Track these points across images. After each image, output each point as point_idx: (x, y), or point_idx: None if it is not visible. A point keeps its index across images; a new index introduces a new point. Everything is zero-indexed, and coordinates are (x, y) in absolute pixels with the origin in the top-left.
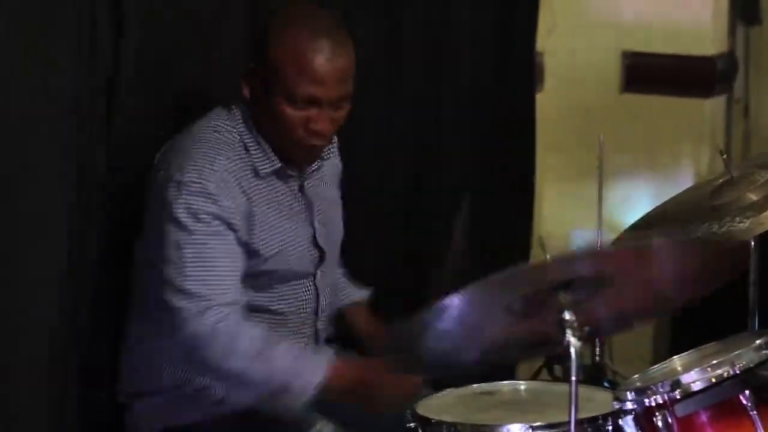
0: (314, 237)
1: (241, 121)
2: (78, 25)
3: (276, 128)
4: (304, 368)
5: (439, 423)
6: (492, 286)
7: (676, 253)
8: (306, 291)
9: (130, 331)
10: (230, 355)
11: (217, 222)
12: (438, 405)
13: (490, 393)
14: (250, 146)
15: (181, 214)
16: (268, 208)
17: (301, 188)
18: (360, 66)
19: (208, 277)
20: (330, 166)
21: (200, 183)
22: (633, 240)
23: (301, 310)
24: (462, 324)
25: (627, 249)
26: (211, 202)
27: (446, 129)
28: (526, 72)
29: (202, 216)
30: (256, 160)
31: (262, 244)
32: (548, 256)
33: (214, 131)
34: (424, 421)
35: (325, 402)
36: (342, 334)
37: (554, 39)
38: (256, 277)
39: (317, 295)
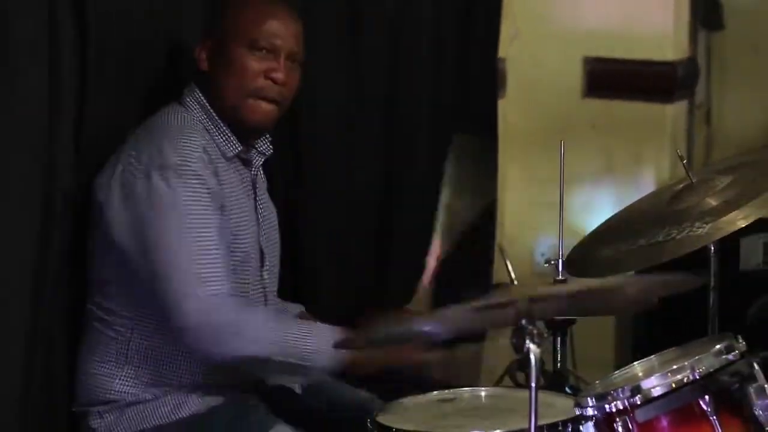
0: (259, 236)
1: (197, 106)
2: (41, 26)
3: (236, 83)
4: (320, 334)
5: (400, 431)
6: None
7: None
8: (255, 292)
9: (96, 339)
10: (252, 342)
11: (209, 202)
12: (398, 412)
13: (450, 400)
14: (211, 129)
15: (180, 196)
16: (233, 191)
17: (253, 182)
18: (320, 76)
19: (212, 264)
20: (261, 176)
21: (187, 164)
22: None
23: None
24: None
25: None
26: (200, 183)
27: (407, 135)
28: (489, 78)
29: (199, 197)
30: (219, 142)
31: (232, 226)
32: (509, 272)
33: (177, 118)
34: (385, 430)
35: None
36: None
37: (517, 45)
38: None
39: (265, 298)
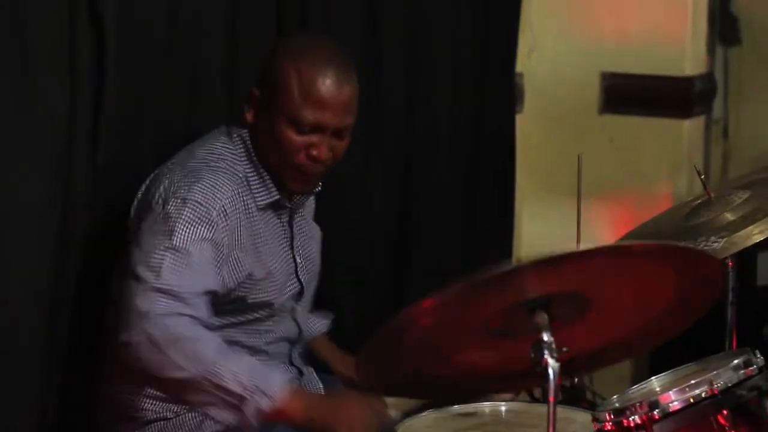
0: (296, 270)
1: (242, 148)
2: (61, 46)
3: (277, 152)
4: (261, 376)
5: None
6: (467, 291)
7: (653, 259)
8: (287, 326)
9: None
10: (198, 352)
11: (208, 246)
12: (418, 427)
13: (470, 414)
14: (251, 177)
15: (178, 226)
16: (260, 239)
17: (290, 221)
18: None
19: (182, 287)
20: (309, 202)
21: (205, 207)
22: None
23: (280, 344)
24: (437, 338)
25: (603, 248)
26: (208, 228)
27: (426, 150)
28: (506, 93)
29: (196, 235)
30: (255, 191)
31: (251, 275)
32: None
33: (220, 158)
34: None
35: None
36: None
37: (534, 60)
38: (236, 310)
39: (298, 330)
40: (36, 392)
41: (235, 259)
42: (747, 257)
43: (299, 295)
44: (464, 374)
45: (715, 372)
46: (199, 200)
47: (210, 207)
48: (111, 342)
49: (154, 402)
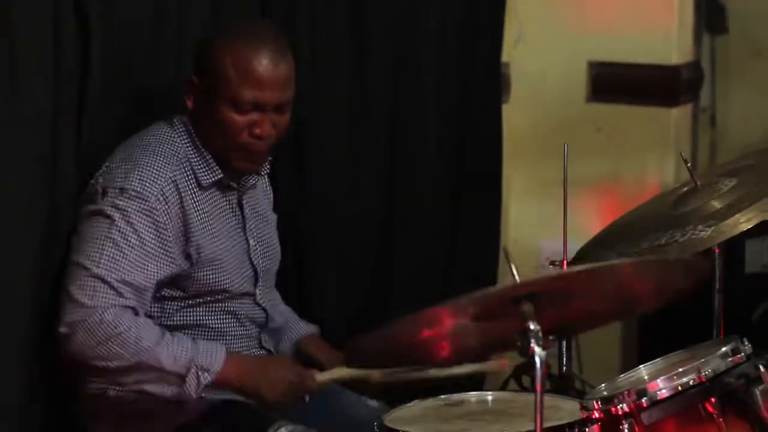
0: (248, 252)
1: (183, 131)
2: (44, 38)
3: (220, 135)
4: (203, 353)
5: None
6: (453, 307)
7: (637, 272)
8: (250, 309)
9: None
10: (139, 342)
11: (149, 234)
12: (405, 416)
13: (457, 404)
14: (192, 157)
15: (116, 213)
16: (207, 220)
17: (239, 202)
18: (324, 83)
19: (122, 277)
20: (262, 187)
21: (141, 194)
22: (594, 262)
23: (248, 328)
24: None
25: (588, 270)
26: (147, 215)
27: (412, 140)
28: (493, 83)
29: (135, 222)
30: (197, 170)
31: (199, 256)
32: (514, 275)
33: (159, 141)
34: None
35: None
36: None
37: (520, 49)
38: (195, 293)
39: (264, 313)
40: (19, 382)
41: (182, 240)
42: (735, 245)
43: (254, 278)
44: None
45: (703, 360)
46: (136, 188)
47: (148, 193)
48: None
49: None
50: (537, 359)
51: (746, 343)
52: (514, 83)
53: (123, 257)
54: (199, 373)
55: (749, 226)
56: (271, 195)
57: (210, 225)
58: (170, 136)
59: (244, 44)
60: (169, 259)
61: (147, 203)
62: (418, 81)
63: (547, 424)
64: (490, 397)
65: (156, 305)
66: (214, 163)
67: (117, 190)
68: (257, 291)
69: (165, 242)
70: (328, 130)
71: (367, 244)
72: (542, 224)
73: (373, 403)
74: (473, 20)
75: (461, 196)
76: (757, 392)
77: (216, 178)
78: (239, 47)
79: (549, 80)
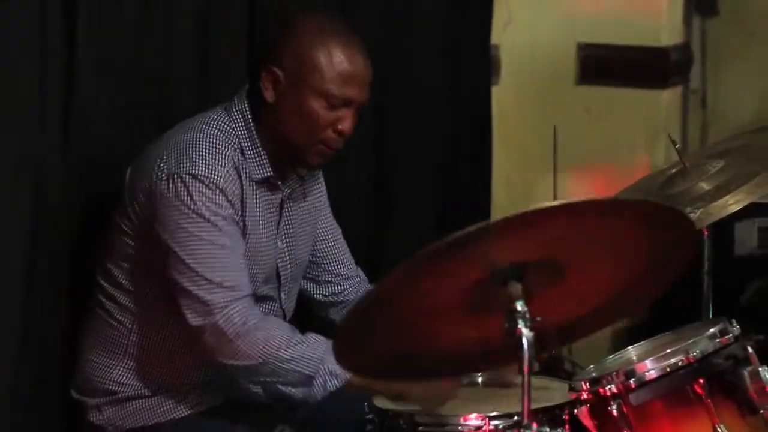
0: (276, 256)
1: (241, 122)
2: (30, 27)
3: (304, 128)
4: (331, 362)
5: (397, 414)
6: (438, 254)
7: (622, 217)
8: (274, 313)
9: (98, 326)
10: (267, 344)
11: (229, 215)
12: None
13: None
14: (247, 150)
15: (201, 208)
16: (253, 214)
17: (281, 204)
18: None
19: (229, 270)
20: (311, 199)
21: (210, 178)
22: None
23: None
24: (411, 317)
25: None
26: (222, 197)
27: (403, 122)
28: (482, 65)
29: (218, 210)
30: (250, 165)
31: (251, 246)
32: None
33: (218, 129)
34: (382, 413)
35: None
36: None
37: (510, 32)
38: None
39: (283, 316)
40: (9, 370)
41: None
42: (724, 227)
43: (278, 281)
44: (446, 353)
45: (691, 341)
46: (204, 173)
47: (217, 176)
48: (94, 307)
49: (130, 377)
50: (524, 340)
51: (734, 325)
52: (503, 65)
53: (226, 253)
54: (327, 378)
55: (738, 208)
56: (321, 196)
57: (258, 220)
58: (226, 123)
59: (337, 40)
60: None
61: (218, 185)
62: (408, 63)
63: (536, 405)
64: (480, 379)
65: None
66: (266, 160)
67: (189, 177)
68: (282, 295)
69: (239, 222)
70: None
71: (358, 225)
72: (532, 205)
73: None
74: (463, 2)
75: (451, 178)
76: (746, 373)
77: (266, 174)
78: (333, 42)
79: (538, 62)
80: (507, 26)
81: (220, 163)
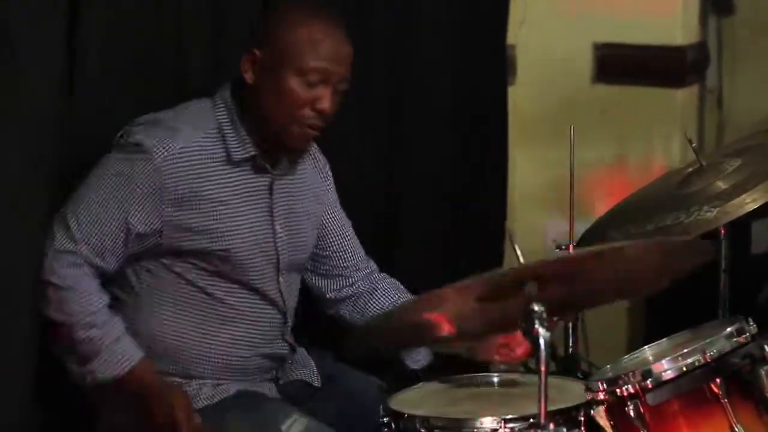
0: (274, 240)
1: (222, 108)
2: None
3: (283, 108)
4: (114, 353)
5: (412, 417)
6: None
7: (642, 253)
8: (273, 296)
9: None
10: (60, 307)
11: (140, 188)
12: (411, 399)
13: (463, 386)
14: (227, 131)
15: (119, 164)
16: (229, 195)
17: (270, 188)
18: None
19: (88, 228)
20: (309, 179)
21: (151, 152)
22: (600, 244)
23: (269, 315)
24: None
25: (593, 253)
26: (149, 173)
27: (418, 123)
28: (498, 65)
29: (133, 176)
30: (230, 145)
31: (215, 226)
32: (518, 257)
33: (193, 114)
34: (397, 416)
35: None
36: None
37: (526, 31)
38: (214, 270)
39: (283, 302)
40: (23, 363)
41: (189, 207)
42: (740, 225)
43: (277, 265)
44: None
45: (708, 340)
46: (146, 145)
47: (157, 152)
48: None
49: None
50: (541, 341)
51: (751, 324)
52: (519, 65)
53: (99, 212)
54: (85, 372)
55: (755, 206)
56: (327, 190)
57: (229, 201)
58: (206, 108)
59: (317, 19)
60: (160, 215)
61: (153, 162)
62: (423, 64)
63: (552, 406)
64: (496, 380)
65: (181, 278)
66: (249, 141)
67: (131, 143)
68: (280, 279)
69: (155, 199)
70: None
71: (371, 228)
72: (548, 206)
73: (382, 383)
74: (478, 2)
75: (466, 179)
76: (763, 372)
77: (248, 154)
78: (308, 20)
79: (555, 62)
80: (523, 26)
81: (170, 144)
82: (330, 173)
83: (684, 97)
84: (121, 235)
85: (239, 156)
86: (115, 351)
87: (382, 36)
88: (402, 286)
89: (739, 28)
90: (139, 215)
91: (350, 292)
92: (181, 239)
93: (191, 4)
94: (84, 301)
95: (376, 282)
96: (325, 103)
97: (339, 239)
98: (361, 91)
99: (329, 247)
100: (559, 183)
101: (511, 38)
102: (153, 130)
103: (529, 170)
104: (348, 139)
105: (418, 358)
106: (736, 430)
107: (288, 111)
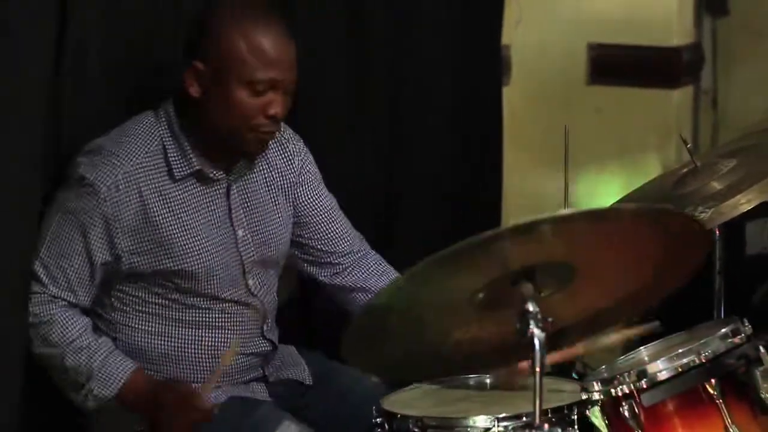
0: (237, 245)
1: (164, 122)
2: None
3: (234, 119)
4: (105, 371)
5: (405, 417)
6: (449, 260)
7: (637, 223)
8: (246, 300)
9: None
10: (45, 342)
11: (90, 223)
12: (404, 399)
13: (456, 387)
14: (169, 148)
15: (67, 202)
16: (178, 212)
17: (227, 191)
18: (322, 63)
19: (54, 268)
20: (266, 175)
21: (94, 185)
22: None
23: (245, 318)
24: (422, 317)
25: (588, 212)
26: (95, 205)
27: (412, 124)
28: (493, 65)
29: (81, 212)
30: (172, 161)
31: (167, 249)
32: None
33: (135, 131)
34: (390, 416)
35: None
36: None
37: (520, 32)
38: (184, 288)
39: (261, 303)
40: (19, 372)
41: (142, 231)
42: (735, 226)
43: (242, 268)
44: (458, 352)
45: (703, 341)
46: (89, 179)
47: (100, 184)
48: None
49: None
50: (536, 341)
51: (746, 324)
52: (514, 65)
53: (58, 252)
54: (85, 397)
55: (749, 207)
56: (301, 177)
57: (181, 218)
58: (147, 127)
59: (253, 25)
60: (116, 247)
61: (97, 195)
62: (418, 64)
63: (546, 406)
64: (489, 380)
65: (153, 294)
66: (192, 155)
67: (74, 180)
68: (249, 281)
69: (111, 231)
70: (328, 113)
71: (367, 227)
72: (543, 206)
73: (375, 379)
74: (473, 2)
75: (461, 178)
76: (758, 373)
77: (191, 170)
78: (249, 28)
79: (549, 62)
80: (518, 26)
81: (111, 171)
82: (305, 157)
83: (679, 97)
84: (86, 268)
85: (181, 173)
86: (107, 369)
87: (377, 35)
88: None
89: (734, 29)
90: (97, 245)
91: (343, 282)
92: (140, 264)
93: (191, 4)
94: (63, 330)
95: (367, 271)
96: (277, 108)
97: (318, 224)
98: (356, 92)
99: (307, 233)
100: (554, 183)
101: (506, 38)
102: (95, 161)
103: (523, 170)
104: (343, 143)
105: None
106: (731, 430)
107: (240, 121)
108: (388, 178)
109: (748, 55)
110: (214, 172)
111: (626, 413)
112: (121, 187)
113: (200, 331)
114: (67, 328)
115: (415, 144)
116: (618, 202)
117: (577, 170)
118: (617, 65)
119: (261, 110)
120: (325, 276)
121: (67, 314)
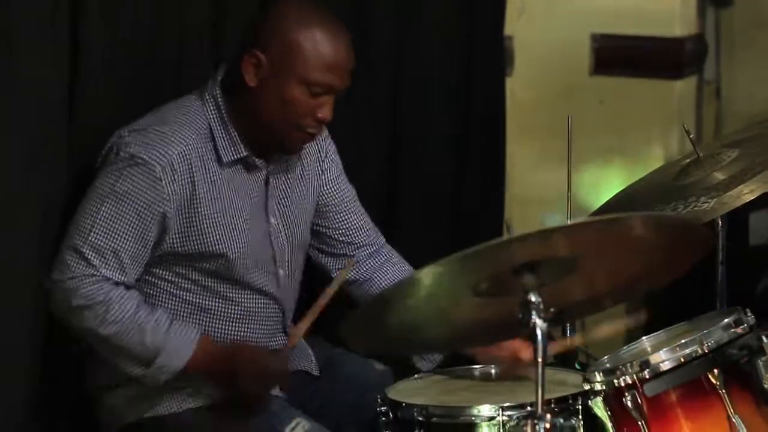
0: (270, 235)
1: (212, 107)
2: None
3: (284, 114)
4: (174, 341)
5: (410, 406)
6: (457, 264)
7: (641, 230)
8: (274, 290)
9: None
10: (103, 322)
11: (144, 203)
12: (409, 389)
13: (461, 376)
14: (216, 133)
15: (118, 182)
16: (221, 196)
17: (266, 181)
18: None
19: (107, 250)
20: (305, 171)
21: (149, 164)
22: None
23: (269, 308)
24: (429, 304)
25: (593, 223)
26: (150, 185)
27: (416, 115)
28: (496, 56)
29: (135, 192)
30: (220, 146)
31: (207, 231)
32: (510, 233)
33: (183, 113)
34: (395, 405)
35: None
36: None
37: (524, 23)
38: (207, 258)
39: (283, 296)
40: (23, 366)
41: (185, 212)
42: (738, 216)
43: (274, 258)
44: (455, 332)
45: (706, 331)
46: (144, 157)
47: (155, 163)
48: None
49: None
50: (538, 331)
51: (749, 315)
52: (517, 56)
53: (116, 233)
54: (157, 370)
55: (752, 197)
56: (325, 170)
57: (223, 202)
58: (195, 109)
59: (321, 28)
60: (167, 228)
61: (152, 174)
62: (421, 55)
63: (549, 395)
64: (494, 370)
65: (184, 279)
66: (239, 141)
67: (127, 156)
68: (279, 270)
69: (162, 212)
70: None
71: (374, 216)
72: (546, 197)
73: (380, 366)
74: None
75: (465, 170)
76: (760, 363)
77: (238, 156)
78: (317, 30)
79: (552, 53)
80: (521, 17)
81: (164, 152)
82: (330, 146)
83: (682, 88)
84: (140, 249)
85: (229, 158)
86: (175, 337)
87: (379, 27)
88: (406, 267)
89: (737, 19)
90: (151, 226)
91: (356, 276)
92: (181, 244)
93: (191, 3)
94: (122, 304)
95: (381, 265)
96: (326, 113)
97: (342, 214)
98: (360, 84)
99: (326, 222)
100: (557, 174)
101: (509, 29)
102: (145, 140)
103: (526, 161)
104: (345, 136)
105: (432, 358)
106: (734, 420)
107: (290, 118)
108: (390, 170)
109: (752, 45)
110: (258, 161)
111: (629, 404)
112: (175, 166)
113: (228, 323)
114: (124, 304)
115: (417, 136)
116: (620, 193)
117: (581, 160)
118: (620, 56)
119: (312, 111)
120: (339, 269)
121: (119, 291)
